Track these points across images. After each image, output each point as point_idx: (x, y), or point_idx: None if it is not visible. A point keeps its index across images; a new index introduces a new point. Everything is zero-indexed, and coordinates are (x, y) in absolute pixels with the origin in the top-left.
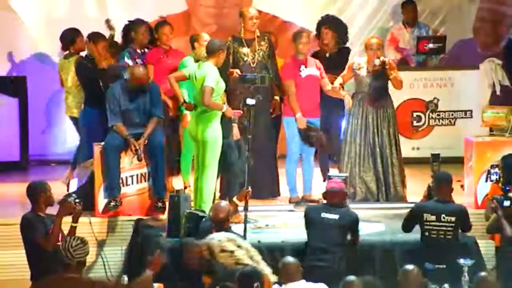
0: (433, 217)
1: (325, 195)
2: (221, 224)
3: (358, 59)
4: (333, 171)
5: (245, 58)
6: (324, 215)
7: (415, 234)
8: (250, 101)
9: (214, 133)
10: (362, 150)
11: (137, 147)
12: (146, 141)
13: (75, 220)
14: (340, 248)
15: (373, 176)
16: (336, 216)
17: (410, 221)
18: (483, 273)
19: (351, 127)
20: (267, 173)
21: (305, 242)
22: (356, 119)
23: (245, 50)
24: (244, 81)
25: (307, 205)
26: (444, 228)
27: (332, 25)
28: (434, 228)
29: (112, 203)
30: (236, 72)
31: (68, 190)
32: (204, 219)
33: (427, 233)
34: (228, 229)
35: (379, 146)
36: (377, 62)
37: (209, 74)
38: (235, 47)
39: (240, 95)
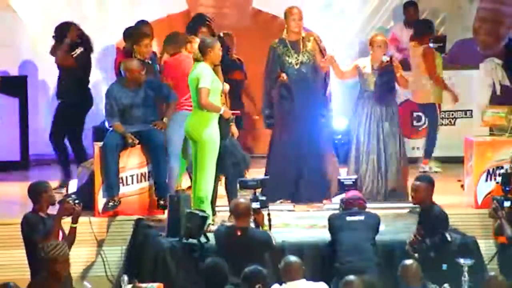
0: None
1: (346, 203)
2: (242, 218)
3: (362, 60)
4: (342, 173)
5: (289, 61)
6: (349, 218)
7: None
8: (255, 205)
9: (212, 134)
10: (366, 149)
11: (135, 141)
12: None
13: (75, 221)
14: (369, 244)
15: (374, 174)
16: (361, 217)
17: None
18: (492, 273)
19: (356, 127)
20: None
21: (330, 244)
22: (360, 118)
23: (288, 52)
24: (246, 187)
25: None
26: None
27: (210, 25)
28: None
29: (111, 203)
30: (282, 76)
31: (67, 191)
32: (220, 224)
33: None
34: (249, 228)
35: (383, 143)
36: (384, 58)
37: (203, 75)
38: (280, 49)
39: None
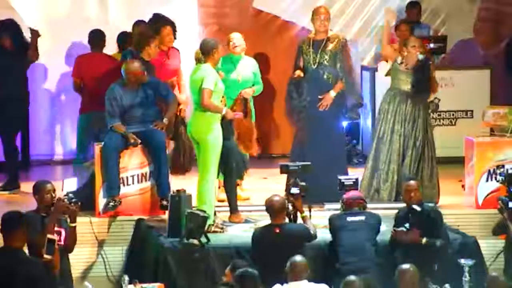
0: None
1: (346, 203)
2: (278, 215)
3: (398, 57)
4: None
5: (308, 60)
6: (350, 219)
7: None
8: (294, 190)
9: (214, 135)
10: (390, 148)
11: (137, 141)
12: (167, 121)
13: (72, 220)
14: (370, 244)
15: (392, 175)
16: (362, 217)
17: None
18: (494, 273)
19: (382, 124)
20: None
21: (330, 245)
22: (387, 115)
23: (309, 51)
24: (288, 171)
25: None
26: None
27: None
28: None
29: (111, 203)
30: (299, 74)
31: (62, 190)
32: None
33: None
34: (285, 224)
35: (403, 146)
36: (420, 56)
37: (207, 76)
38: (303, 47)
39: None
